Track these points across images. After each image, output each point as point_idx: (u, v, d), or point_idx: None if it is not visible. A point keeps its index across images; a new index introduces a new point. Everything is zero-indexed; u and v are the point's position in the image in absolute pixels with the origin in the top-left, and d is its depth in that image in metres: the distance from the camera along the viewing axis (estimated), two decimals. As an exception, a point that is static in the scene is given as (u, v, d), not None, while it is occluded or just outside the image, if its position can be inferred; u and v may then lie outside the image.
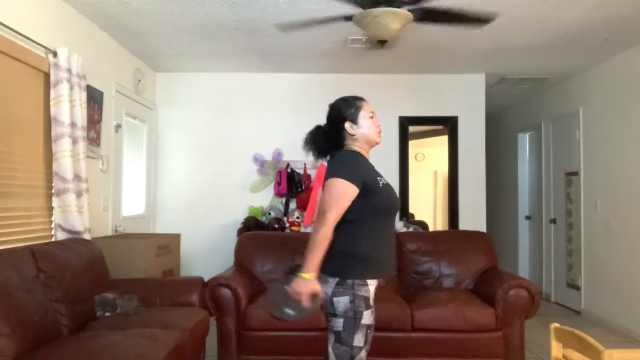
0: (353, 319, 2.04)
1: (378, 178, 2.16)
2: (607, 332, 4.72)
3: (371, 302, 2.09)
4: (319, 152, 2.25)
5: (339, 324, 2.06)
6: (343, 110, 2.20)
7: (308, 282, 1.97)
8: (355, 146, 2.20)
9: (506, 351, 3.37)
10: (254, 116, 5.52)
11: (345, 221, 2.11)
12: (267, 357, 3.37)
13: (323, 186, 2.16)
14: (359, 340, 2.04)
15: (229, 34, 4.24)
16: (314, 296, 1.98)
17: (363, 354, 2.07)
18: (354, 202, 2.08)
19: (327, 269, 2.11)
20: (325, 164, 2.24)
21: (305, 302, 1.96)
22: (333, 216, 2.01)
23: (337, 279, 2.06)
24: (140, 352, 2.32)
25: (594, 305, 5.18)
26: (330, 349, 2.09)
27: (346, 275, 2.06)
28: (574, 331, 1.81)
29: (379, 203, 2.12)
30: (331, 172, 2.09)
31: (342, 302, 2.05)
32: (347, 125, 2.18)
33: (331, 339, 2.09)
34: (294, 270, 2.01)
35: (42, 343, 2.38)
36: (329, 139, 2.23)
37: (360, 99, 2.24)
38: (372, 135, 2.22)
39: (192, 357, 2.95)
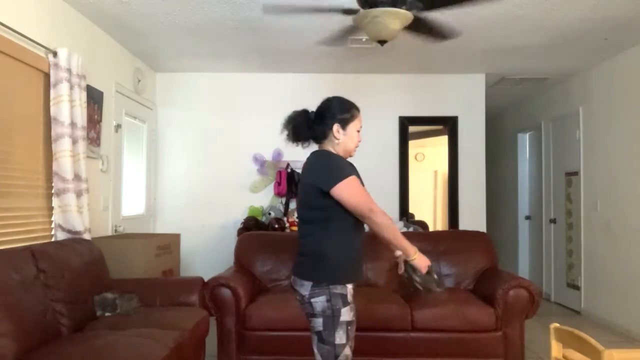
0: (332, 317, 2.05)
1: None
2: (607, 332, 4.72)
3: (349, 298, 2.10)
4: (297, 137, 2.21)
5: (319, 324, 2.07)
6: (338, 111, 2.19)
7: (421, 255, 2.15)
8: (333, 149, 2.20)
9: (506, 351, 3.37)
10: (254, 116, 5.52)
11: (314, 223, 2.12)
12: (267, 357, 3.37)
13: (308, 190, 2.14)
14: (340, 337, 2.06)
15: (229, 34, 4.24)
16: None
17: (347, 350, 2.08)
18: (325, 203, 2.08)
19: (300, 273, 2.12)
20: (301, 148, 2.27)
21: (429, 262, 2.19)
22: (374, 206, 2.05)
23: (311, 282, 2.08)
24: (140, 352, 2.32)
25: (594, 305, 5.18)
26: (315, 350, 2.11)
27: (319, 280, 2.08)
28: (574, 331, 1.81)
29: None
30: (330, 178, 2.07)
31: (319, 302, 2.06)
32: (336, 127, 2.17)
33: (314, 339, 2.11)
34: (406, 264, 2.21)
35: (42, 343, 2.38)
36: (312, 127, 2.20)
37: (357, 109, 2.24)
38: (352, 148, 2.23)
39: (192, 357, 2.95)
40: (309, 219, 2.15)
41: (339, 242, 2.10)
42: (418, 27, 3.48)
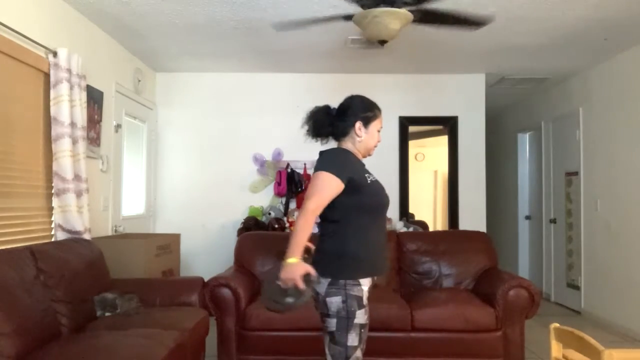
0: (346, 319, 2.04)
1: (366, 175, 2.16)
2: (607, 332, 4.72)
3: (364, 300, 2.08)
4: (318, 132, 2.21)
5: (332, 324, 2.06)
6: (361, 109, 2.20)
7: (295, 266, 1.93)
8: (353, 146, 2.20)
9: (506, 351, 3.37)
10: (254, 116, 5.52)
11: (333, 221, 2.11)
12: (267, 357, 3.37)
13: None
14: (352, 339, 2.05)
15: (229, 34, 4.24)
16: (306, 277, 1.94)
17: (358, 353, 2.07)
18: (341, 200, 2.07)
19: (318, 269, 2.11)
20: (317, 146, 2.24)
21: (300, 285, 1.91)
22: (312, 205, 1.99)
23: (329, 279, 2.06)
24: (140, 352, 2.32)
25: (594, 305, 5.18)
26: (326, 350, 2.10)
27: (338, 275, 2.06)
28: (574, 331, 1.81)
29: (366, 200, 2.11)
30: (318, 167, 2.09)
31: (334, 302, 2.05)
32: (358, 124, 2.17)
33: (326, 339, 2.10)
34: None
35: (42, 343, 2.38)
36: (334, 124, 2.20)
37: (379, 109, 2.25)
38: (372, 147, 2.24)
39: (192, 357, 2.95)
40: (325, 218, 2.15)
41: (355, 240, 2.10)
42: (438, 19, 3.47)
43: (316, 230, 2.20)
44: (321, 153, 2.19)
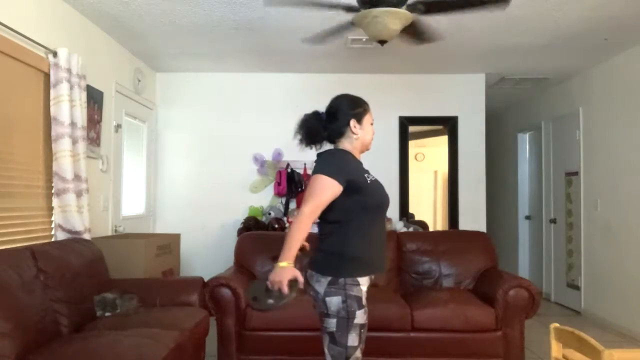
0: (346, 319, 2.04)
1: (366, 175, 2.15)
2: (607, 332, 4.72)
3: (364, 301, 2.08)
4: (313, 139, 2.20)
5: (332, 324, 2.05)
6: (352, 107, 2.20)
7: (284, 270, 1.95)
8: (351, 145, 2.19)
9: (506, 351, 3.37)
10: (254, 116, 5.52)
11: (333, 222, 2.11)
12: (267, 357, 3.37)
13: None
14: (353, 339, 2.04)
15: (229, 34, 4.24)
16: (292, 282, 1.97)
17: (358, 353, 2.07)
18: (341, 201, 2.06)
19: (318, 268, 2.11)
20: (314, 153, 2.21)
21: (285, 290, 1.94)
22: (308, 209, 2.00)
23: (329, 278, 2.06)
24: (140, 352, 2.32)
25: (594, 305, 5.18)
26: (325, 350, 2.09)
27: (337, 274, 2.05)
28: (574, 331, 1.81)
29: (367, 200, 2.11)
30: (316, 170, 2.08)
31: (334, 302, 2.04)
32: (353, 122, 2.17)
33: (325, 340, 2.09)
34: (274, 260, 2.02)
35: (42, 343, 2.38)
36: (327, 127, 2.20)
37: (367, 103, 2.26)
38: (369, 141, 2.24)
39: (192, 357, 2.95)
40: (325, 218, 2.14)
41: (356, 239, 2.09)
42: (407, 29, 3.43)
43: (316, 230, 2.19)
44: (319, 155, 2.18)
